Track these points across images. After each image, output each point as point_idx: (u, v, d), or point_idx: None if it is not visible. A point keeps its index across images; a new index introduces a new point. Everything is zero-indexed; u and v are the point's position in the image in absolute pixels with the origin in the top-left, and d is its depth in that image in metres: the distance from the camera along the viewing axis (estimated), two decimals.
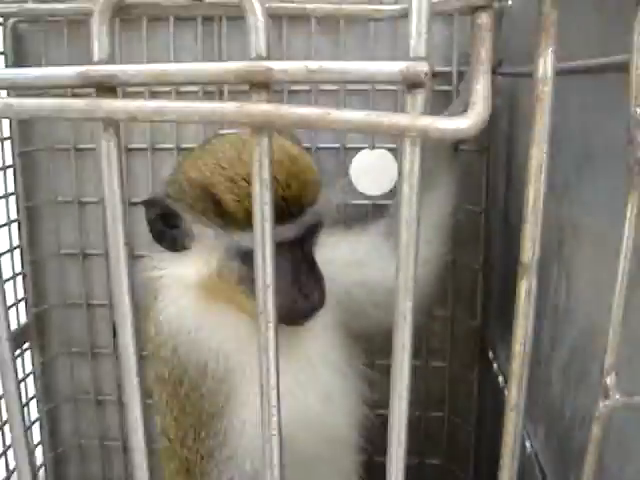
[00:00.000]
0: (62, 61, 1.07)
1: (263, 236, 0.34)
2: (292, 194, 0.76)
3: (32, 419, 1.17)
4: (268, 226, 0.34)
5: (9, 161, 1.09)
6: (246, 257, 0.78)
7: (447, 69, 1.03)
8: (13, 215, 1.10)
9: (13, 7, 0.84)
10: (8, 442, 1.08)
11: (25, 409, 1.14)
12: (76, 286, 1.16)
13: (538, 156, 0.32)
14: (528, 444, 0.74)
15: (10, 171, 1.10)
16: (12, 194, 1.10)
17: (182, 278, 0.83)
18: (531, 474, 0.71)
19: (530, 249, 0.33)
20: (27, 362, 1.15)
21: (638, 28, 0.33)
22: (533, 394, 0.74)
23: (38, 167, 1.12)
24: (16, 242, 1.11)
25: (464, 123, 0.30)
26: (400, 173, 0.32)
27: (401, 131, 0.31)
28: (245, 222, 0.74)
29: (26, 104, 0.34)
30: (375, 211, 1.06)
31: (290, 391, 0.74)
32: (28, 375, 1.15)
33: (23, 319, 1.13)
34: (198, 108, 0.33)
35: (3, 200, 1.08)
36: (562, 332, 0.65)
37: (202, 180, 0.77)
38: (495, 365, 0.94)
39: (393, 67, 0.31)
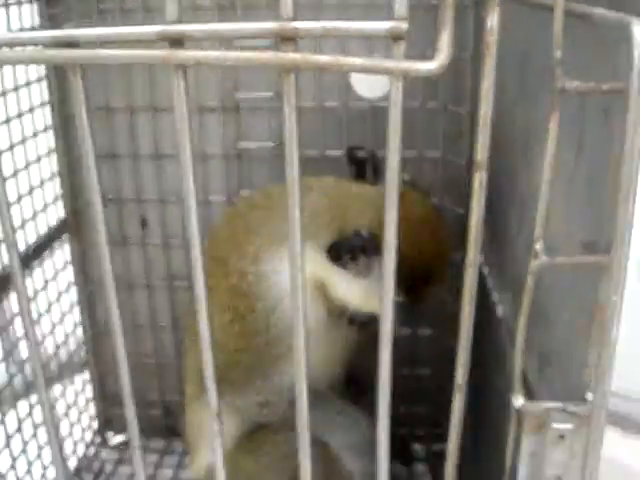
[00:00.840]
0: None
1: None
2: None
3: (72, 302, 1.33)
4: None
5: (43, 73, 1.21)
6: None
7: None
8: (49, 122, 1.24)
9: None
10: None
11: (65, 294, 1.30)
12: (107, 183, 1.30)
13: (487, 87, 0.45)
14: (500, 310, 0.89)
15: (45, 83, 1.22)
16: (48, 103, 1.23)
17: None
18: (500, 334, 0.86)
19: (481, 150, 0.46)
20: (66, 252, 1.30)
21: None
22: (505, 269, 0.89)
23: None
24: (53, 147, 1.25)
25: (432, 66, 0.43)
26: (389, 101, 0.46)
27: (390, 71, 0.44)
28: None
29: (119, 54, 0.47)
30: (374, 112, 1.20)
31: None
32: (68, 264, 1.30)
33: (62, 214, 1.28)
34: (245, 56, 0.46)
35: (40, 109, 1.21)
36: (525, 217, 0.79)
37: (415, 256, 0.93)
38: None
39: (383, 26, 0.44)
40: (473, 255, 0.50)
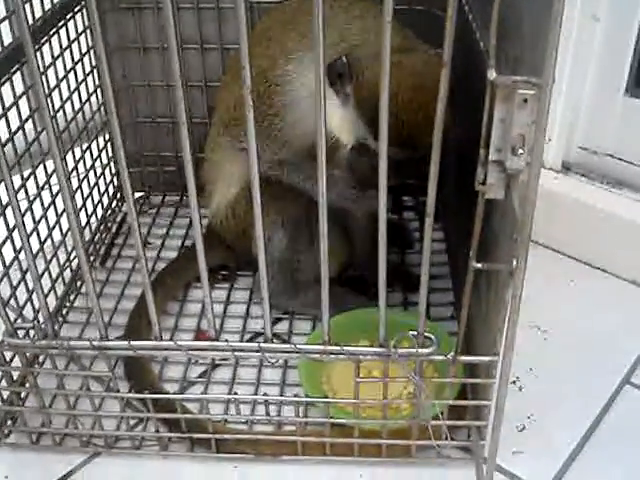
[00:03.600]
0: None
1: None
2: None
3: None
4: None
5: None
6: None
7: None
8: None
9: None
10: None
11: (86, 57, 1.41)
12: None
13: None
14: (482, 45, 1.01)
15: None
16: None
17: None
18: (482, 67, 0.98)
19: None
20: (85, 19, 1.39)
21: None
22: (486, 11, 1.00)
23: None
24: None
25: None
26: None
27: None
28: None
29: None
30: None
31: None
32: (85, 29, 1.40)
33: None
34: None
35: None
36: None
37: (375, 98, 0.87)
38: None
39: None
40: None
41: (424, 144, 0.88)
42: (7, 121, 1.10)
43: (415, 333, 0.86)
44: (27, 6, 1.13)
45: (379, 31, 0.67)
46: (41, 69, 1.18)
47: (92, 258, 1.44)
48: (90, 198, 1.45)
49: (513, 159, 0.69)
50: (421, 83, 0.97)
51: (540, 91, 0.66)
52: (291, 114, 1.11)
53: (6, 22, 1.07)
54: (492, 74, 0.67)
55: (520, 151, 0.68)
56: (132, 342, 0.91)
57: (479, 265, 0.79)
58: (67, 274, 1.33)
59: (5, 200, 0.97)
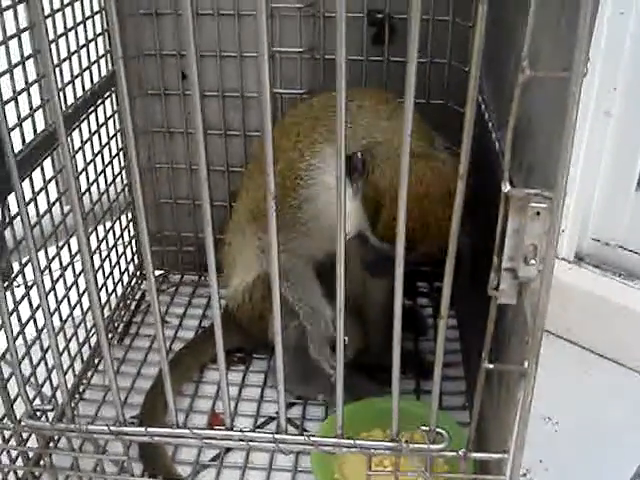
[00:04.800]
0: None
1: None
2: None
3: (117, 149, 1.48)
4: None
5: None
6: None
7: None
8: None
9: None
10: None
11: (113, 140, 1.45)
12: (150, 40, 1.45)
13: None
14: (498, 145, 1.04)
15: None
16: None
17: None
18: (498, 165, 1.02)
19: None
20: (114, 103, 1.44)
21: None
22: (503, 113, 1.04)
23: None
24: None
25: None
26: None
27: None
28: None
29: None
30: None
31: None
32: (114, 113, 1.45)
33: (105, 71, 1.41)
34: None
35: None
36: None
37: (378, 196, 1.02)
38: (480, 98, 1.23)
39: None
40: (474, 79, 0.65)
41: (421, 247, 0.99)
42: (36, 203, 1.14)
43: (427, 428, 0.87)
44: (60, 94, 1.18)
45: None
46: (71, 153, 1.22)
47: (110, 336, 1.46)
48: (111, 276, 1.48)
49: (525, 268, 0.71)
50: (426, 192, 1.01)
51: (552, 204, 0.68)
52: (311, 207, 1.14)
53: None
54: (506, 187, 0.70)
55: (532, 261, 0.70)
56: (149, 429, 0.93)
57: (491, 366, 0.80)
58: (85, 349, 1.35)
59: (30, 280, 1.00)
